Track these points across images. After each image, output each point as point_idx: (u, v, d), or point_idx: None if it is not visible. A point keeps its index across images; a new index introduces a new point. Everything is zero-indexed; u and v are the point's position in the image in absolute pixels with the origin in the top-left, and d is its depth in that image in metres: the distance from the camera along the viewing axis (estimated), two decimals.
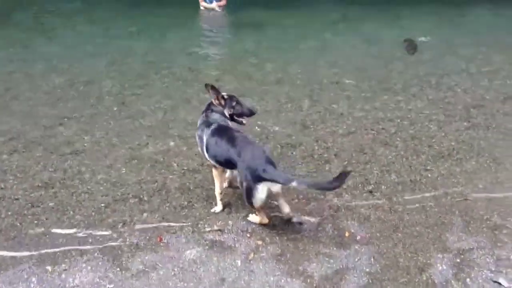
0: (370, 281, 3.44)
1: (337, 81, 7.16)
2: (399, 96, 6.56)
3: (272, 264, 3.61)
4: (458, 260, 3.64)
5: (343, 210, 4.30)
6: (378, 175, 4.82)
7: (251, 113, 4.30)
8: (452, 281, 3.44)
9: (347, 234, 3.96)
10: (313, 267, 3.59)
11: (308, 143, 5.47)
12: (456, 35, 8.86)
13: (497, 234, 3.90)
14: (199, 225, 4.04)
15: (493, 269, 3.55)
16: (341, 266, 3.60)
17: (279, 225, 4.04)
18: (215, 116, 4.16)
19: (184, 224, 4.06)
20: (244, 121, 4.30)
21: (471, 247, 3.77)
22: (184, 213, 4.19)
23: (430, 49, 8.21)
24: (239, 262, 3.62)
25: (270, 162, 3.71)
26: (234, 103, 4.21)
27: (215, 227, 4.00)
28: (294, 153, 5.28)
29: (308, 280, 3.46)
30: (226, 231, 3.97)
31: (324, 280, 3.46)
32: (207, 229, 3.98)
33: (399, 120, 5.90)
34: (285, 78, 7.39)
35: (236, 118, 4.26)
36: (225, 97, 4.21)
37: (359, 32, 9.47)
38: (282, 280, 3.46)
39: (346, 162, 5.04)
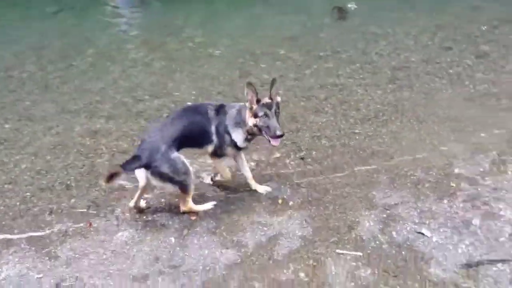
0: (303, 244, 3.53)
1: (268, 52, 7.15)
2: (329, 63, 6.65)
3: (207, 237, 3.62)
4: (384, 216, 3.80)
5: (276, 178, 4.37)
6: (309, 141, 4.90)
7: (274, 135, 3.62)
8: (379, 235, 3.59)
9: (280, 202, 4.02)
10: (248, 236, 3.63)
11: None
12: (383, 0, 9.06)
13: (420, 188, 4.09)
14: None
15: (416, 221, 3.73)
16: (274, 233, 3.66)
17: (213, 198, 4.04)
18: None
19: (115, 206, 3.98)
20: (272, 141, 3.67)
21: (396, 202, 3.93)
22: (114, 196, 4.10)
23: (358, 15, 8.33)
24: (173, 239, 3.60)
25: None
26: (261, 113, 3.63)
27: (144, 205, 3.95)
28: None
29: (243, 250, 3.50)
30: (159, 209, 3.94)
31: (258, 248, 3.51)
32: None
33: (329, 87, 6.00)
34: (217, 52, 7.29)
35: (254, 130, 3.72)
36: (261, 101, 3.66)
37: (289, 2, 9.45)
38: (217, 252, 3.48)
39: None
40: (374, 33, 7.47)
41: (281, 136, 3.64)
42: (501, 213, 3.71)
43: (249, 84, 3.67)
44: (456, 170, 4.28)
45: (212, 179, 4.30)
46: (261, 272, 3.28)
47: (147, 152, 3.56)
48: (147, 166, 3.56)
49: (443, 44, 6.86)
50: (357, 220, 3.77)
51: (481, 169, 4.26)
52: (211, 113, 3.82)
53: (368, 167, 4.40)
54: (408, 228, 3.66)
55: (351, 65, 6.52)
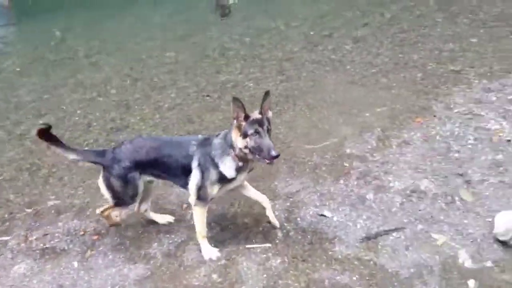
0: (213, 245, 3.53)
1: (157, 55, 7.03)
2: (219, 60, 6.70)
3: (112, 255, 3.50)
4: (288, 204, 3.93)
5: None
6: None
7: (269, 155, 3.09)
8: (285, 224, 3.71)
9: (184, 207, 3.99)
10: (155, 247, 3.57)
11: (134, 123, 5.34)
12: None
13: (318, 172, 4.29)
14: (27, 236, 3.70)
15: (318, 204, 3.91)
16: (182, 239, 3.64)
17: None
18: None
19: (8, 238, 3.68)
20: (266, 160, 3.14)
21: (298, 189, 4.09)
22: (5, 228, 3.79)
23: (241, 11, 8.50)
24: (75, 263, 3.43)
25: None
26: (251, 131, 3.12)
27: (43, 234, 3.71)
28: (122, 136, 5.11)
29: (152, 261, 3.43)
30: (56, 234, 3.71)
31: (167, 257, 3.46)
32: (34, 237, 3.66)
33: (221, 84, 6.04)
34: (102, 60, 7.02)
35: (253, 154, 3.17)
36: (249, 118, 3.15)
37: (173, 2, 9.35)
38: (125, 269, 3.37)
39: (175, 134, 5.04)
40: (258, 28, 7.66)
41: (276, 157, 3.12)
42: (391, 184, 4.01)
43: (235, 99, 3.15)
44: (348, 151, 4.54)
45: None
46: (173, 280, 3.24)
47: (111, 156, 3.37)
48: (104, 166, 3.38)
49: (323, 32, 7.21)
50: (263, 212, 3.86)
51: (369, 146, 4.55)
52: (193, 148, 3.36)
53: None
54: (311, 213, 3.82)
55: (241, 61, 6.63)
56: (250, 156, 3.20)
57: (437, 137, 4.55)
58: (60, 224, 3.81)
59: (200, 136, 3.49)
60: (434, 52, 6.26)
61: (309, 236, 3.56)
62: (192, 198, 3.39)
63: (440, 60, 6.03)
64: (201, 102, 5.66)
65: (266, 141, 3.12)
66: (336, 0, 8.62)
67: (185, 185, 3.41)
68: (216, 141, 3.34)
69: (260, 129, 3.12)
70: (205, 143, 3.37)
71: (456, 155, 4.27)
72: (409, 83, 5.59)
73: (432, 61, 6.04)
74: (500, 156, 4.18)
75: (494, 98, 5.04)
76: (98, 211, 3.64)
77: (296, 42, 7.07)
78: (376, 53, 6.44)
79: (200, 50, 7.05)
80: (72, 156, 3.45)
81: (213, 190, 3.33)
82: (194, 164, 3.32)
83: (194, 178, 3.32)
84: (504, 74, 5.52)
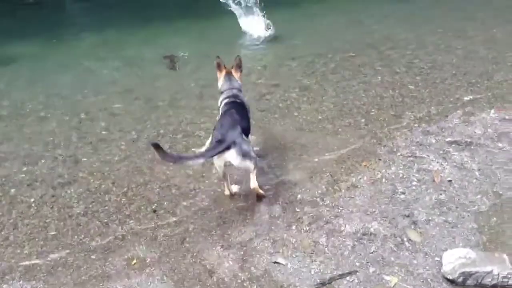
0: None
1: (105, 107, 6.96)
2: (168, 112, 6.71)
3: None
4: (242, 253, 3.91)
5: (129, 237, 4.22)
6: (159, 192, 4.85)
7: None
8: (239, 273, 3.68)
9: (134, 262, 3.88)
10: None
11: (83, 178, 5.20)
12: (210, 46, 9.50)
13: (271, 219, 4.30)
14: None
15: (272, 251, 3.91)
16: None
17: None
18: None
19: None
20: None
21: (251, 237, 4.07)
22: None
23: (190, 63, 8.61)
24: None
25: None
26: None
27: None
28: (69, 191, 4.96)
29: None
30: None
31: None
32: None
33: (171, 135, 6.03)
34: (49, 114, 6.85)
35: None
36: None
37: (121, 55, 9.37)
38: None
39: (126, 188, 4.95)
40: (208, 78, 7.76)
41: None
42: (342, 228, 4.09)
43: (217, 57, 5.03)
44: (299, 196, 4.61)
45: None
46: None
47: (229, 133, 4.10)
48: (230, 146, 4.05)
49: (271, 82, 7.42)
50: (217, 263, 3.82)
51: (320, 191, 4.65)
52: (241, 102, 4.77)
53: (220, 208, 4.50)
54: (265, 260, 3.81)
55: (191, 112, 6.67)
56: None
57: (383, 180, 4.72)
58: None
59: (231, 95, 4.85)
60: (376, 99, 6.58)
61: (264, 285, 3.54)
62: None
63: (381, 106, 6.34)
64: (150, 153, 5.60)
65: None
66: (281, 51, 8.95)
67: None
68: (240, 93, 4.93)
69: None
70: (238, 96, 4.85)
71: (402, 196, 4.44)
72: (354, 129, 5.82)
73: (374, 107, 6.34)
74: (443, 196, 4.39)
75: (433, 141, 5.34)
76: (253, 187, 4.35)
77: (245, 92, 7.19)
78: (322, 100, 6.69)
79: (149, 101, 7.04)
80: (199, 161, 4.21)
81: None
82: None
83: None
84: (441, 117, 5.88)
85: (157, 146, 3.89)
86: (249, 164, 4.23)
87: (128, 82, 7.92)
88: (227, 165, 4.28)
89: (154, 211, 4.55)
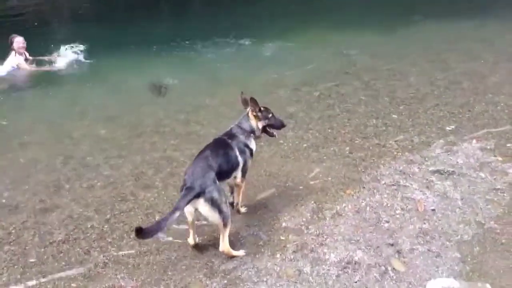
0: None
1: (90, 133, 6.92)
2: (153, 138, 6.70)
3: None
4: (225, 281, 3.86)
5: (111, 265, 4.14)
6: (142, 219, 4.80)
7: (282, 126, 4.82)
8: None
9: None
10: None
11: (65, 204, 5.13)
12: (196, 74, 9.58)
13: (255, 247, 4.27)
14: None
15: (255, 280, 3.86)
16: None
17: None
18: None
19: None
20: (275, 133, 4.81)
21: (235, 266, 4.03)
22: None
23: (176, 90, 8.64)
24: None
25: None
26: (270, 115, 4.67)
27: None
28: (50, 217, 4.88)
29: None
30: None
31: None
32: None
33: (156, 161, 6.01)
34: (31, 140, 6.79)
35: (268, 130, 4.71)
36: (262, 109, 4.61)
37: (108, 82, 9.38)
38: None
39: (108, 215, 4.89)
40: (193, 105, 7.82)
41: (285, 125, 4.94)
42: (326, 257, 4.07)
43: (252, 99, 4.55)
44: (284, 224, 4.59)
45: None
46: None
47: (199, 180, 3.86)
48: (200, 194, 3.81)
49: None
50: None
51: (304, 219, 4.64)
52: (229, 141, 4.42)
53: (205, 235, 4.46)
54: None
55: (176, 138, 6.67)
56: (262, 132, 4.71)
57: (367, 208, 4.74)
58: None
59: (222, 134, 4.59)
60: (360, 127, 6.66)
61: None
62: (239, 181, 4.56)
63: (365, 135, 6.42)
64: (135, 180, 5.57)
65: (279, 118, 4.84)
66: (267, 79, 9.06)
67: (231, 173, 4.40)
68: (239, 131, 4.54)
69: (272, 113, 4.72)
70: (232, 135, 4.50)
71: (386, 225, 4.46)
72: (339, 157, 5.86)
73: (358, 135, 6.42)
74: (426, 225, 4.42)
75: (417, 170, 5.40)
76: (221, 249, 4.06)
77: (231, 119, 7.22)
78: (307, 128, 6.75)
79: (134, 128, 7.03)
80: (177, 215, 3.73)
81: (248, 164, 4.61)
82: (236, 152, 4.41)
83: (239, 164, 4.43)
84: (424, 146, 5.96)
85: (139, 231, 3.54)
86: (218, 218, 3.92)
87: (113, 108, 7.92)
88: (197, 213, 3.99)
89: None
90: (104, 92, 8.81)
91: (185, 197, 3.78)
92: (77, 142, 6.68)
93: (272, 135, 4.80)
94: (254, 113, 4.57)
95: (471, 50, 10.03)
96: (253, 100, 4.52)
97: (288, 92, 8.28)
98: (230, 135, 4.50)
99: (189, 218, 4.07)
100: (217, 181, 4.00)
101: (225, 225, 3.97)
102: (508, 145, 5.84)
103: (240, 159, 4.42)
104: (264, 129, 4.68)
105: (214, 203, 3.86)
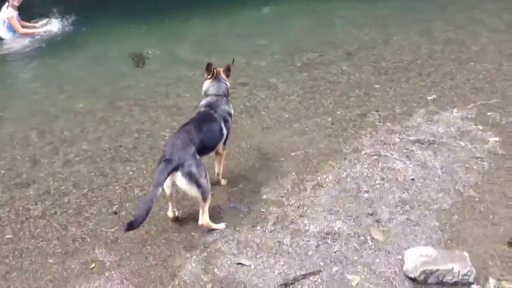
0: None
1: (67, 107, 6.75)
2: (133, 110, 6.57)
3: None
4: (205, 254, 3.84)
5: (89, 240, 4.09)
6: (121, 194, 4.73)
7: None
8: (202, 276, 3.61)
9: (92, 266, 3.77)
10: None
11: (42, 179, 5.03)
12: (178, 45, 9.36)
13: (235, 219, 4.25)
14: None
15: (235, 252, 3.85)
16: None
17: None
18: None
19: None
20: None
21: (215, 239, 4.01)
22: None
23: (156, 61, 8.45)
24: None
25: None
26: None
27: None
28: (27, 193, 4.78)
29: None
30: None
31: None
32: None
33: (136, 135, 5.91)
34: (7, 115, 6.60)
35: None
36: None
37: (85, 52, 9.12)
38: None
39: (86, 190, 4.81)
40: (173, 77, 7.66)
41: None
42: (306, 228, 4.07)
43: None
44: (264, 196, 4.57)
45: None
46: None
47: (179, 153, 3.79)
48: (178, 167, 3.75)
49: (238, 81, 7.35)
50: (179, 265, 3.74)
51: (285, 191, 4.62)
52: (213, 112, 4.34)
53: (181, 211, 4.41)
54: (228, 262, 3.75)
55: (157, 111, 6.54)
56: None
57: (348, 179, 4.73)
58: None
59: (203, 105, 4.49)
60: (342, 98, 6.60)
61: (227, 287, 3.48)
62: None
63: (347, 105, 6.37)
64: (113, 153, 5.48)
65: None
66: (248, 49, 8.88)
67: (216, 146, 4.42)
68: (219, 99, 4.47)
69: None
70: (214, 105, 4.41)
71: (366, 195, 4.46)
72: (321, 128, 5.82)
73: (340, 106, 6.36)
74: (405, 195, 4.43)
75: (397, 140, 5.38)
76: (201, 223, 4.02)
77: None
78: (289, 99, 6.67)
79: (113, 100, 6.87)
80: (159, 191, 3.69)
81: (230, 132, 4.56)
82: (222, 125, 4.35)
83: (223, 135, 4.40)
84: (405, 116, 5.94)
85: (131, 225, 3.56)
86: (196, 192, 3.88)
87: (92, 80, 7.72)
88: (175, 186, 3.93)
89: (115, 212, 4.44)
90: (82, 64, 8.56)
91: (164, 170, 3.72)
92: (54, 116, 6.51)
93: None
94: (228, 73, 4.68)
95: (454, 19, 9.94)
96: (233, 62, 4.77)
97: (270, 62, 8.15)
98: (213, 105, 4.41)
99: (167, 191, 4.01)
100: (198, 155, 3.94)
101: (204, 199, 3.93)
102: (489, 113, 5.84)
103: (225, 130, 4.38)
104: None
105: (192, 177, 3.80)
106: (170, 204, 4.19)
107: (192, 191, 3.86)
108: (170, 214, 4.22)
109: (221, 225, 4.14)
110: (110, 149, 5.59)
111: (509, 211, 4.18)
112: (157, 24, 10.94)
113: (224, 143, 4.53)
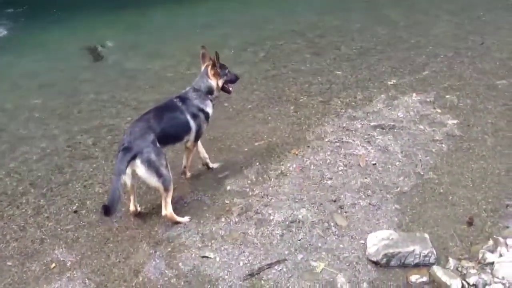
0: None
1: (23, 104, 6.53)
2: (92, 105, 6.41)
3: None
4: (169, 249, 3.79)
5: (48, 240, 3.98)
6: (81, 192, 4.61)
7: (237, 78, 4.67)
8: (166, 271, 3.56)
9: (53, 266, 3.66)
10: None
11: None
12: (138, 36, 9.17)
13: (199, 212, 4.20)
14: None
15: (200, 245, 3.81)
16: None
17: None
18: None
19: None
20: (231, 88, 4.61)
21: (179, 233, 3.95)
22: None
23: (115, 54, 8.27)
24: None
25: None
26: (227, 70, 4.48)
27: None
28: None
29: None
30: None
31: None
32: None
33: (95, 130, 5.77)
34: None
35: (225, 86, 4.49)
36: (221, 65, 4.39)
37: (40, 47, 8.83)
38: None
39: (45, 189, 4.67)
40: (133, 70, 7.50)
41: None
42: (271, 217, 4.06)
43: (217, 53, 4.36)
44: (228, 187, 4.53)
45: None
46: None
47: (137, 141, 3.72)
48: (137, 155, 3.67)
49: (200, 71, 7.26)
50: (142, 261, 3.67)
51: (249, 181, 4.60)
52: (180, 104, 4.17)
53: (144, 206, 4.34)
54: (193, 255, 3.71)
55: (117, 105, 6.40)
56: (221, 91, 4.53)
57: (312, 167, 4.75)
58: None
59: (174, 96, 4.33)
60: (304, 86, 6.62)
61: (191, 281, 3.45)
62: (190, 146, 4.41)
63: (310, 93, 6.39)
64: (72, 150, 5.33)
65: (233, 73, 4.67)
66: (210, 39, 8.76)
67: (182, 138, 4.26)
68: (193, 94, 4.30)
69: (227, 67, 4.53)
70: (184, 98, 4.25)
71: (329, 182, 4.48)
72: (284, 116, 5.82)
73: (303, 94, 6.38)
74: (367, 180, 4.48)
75: (359, 126, 5.43)
76: (164, 214, 3.93)
77: (173, 82, 7.02)
78: (252, 89, 6.64)
79: (70, 95, 6.68)
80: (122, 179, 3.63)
81: (203, 129, 4.41)
82: (188, 117, 4.19)
83: (191, 129, 4.24)
84: (366, 102, 6.00)
85: (107, 208, 3.55)
86: (156, 181, 3.79)
87: (48, 76, 7.50)
88: (135, 175, 3.82)
89: (76, 211, 4.33)
90: (37, 58, 8.31)
91: (123, 158, 3.66)
92: (10, 114, 6.30)
93: (229, 92, 4.62)
94: (214, 71, 4.36)
95: (414, 4, 10.10)
96: (217, 55, 4.33)
97: (233, 52, 8.09)
98: (183, 98, 4.27)
99: (128, 182, 3.84)
100: (160, 144, 3.86)
101: (166, 189, 3.85)
102: (447, 96, 5.97)
103: (192, 124, 4.23)
104: (222, 87, 4.49)
105: (151, 165, 3.73)
106: (131, 197, 4.10)
107: (152, 179, 3.77)
108: (131, 208, 4.14)
109: (185, 219, 4.09)
110: (69, 146, 5.45)
111: (467, 191, 4.28)
112: (116, 15, 10.70)
113: (196, 140, 4.40)
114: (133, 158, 3.67)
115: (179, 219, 4.05)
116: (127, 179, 3.78)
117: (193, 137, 4.33)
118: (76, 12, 10.68)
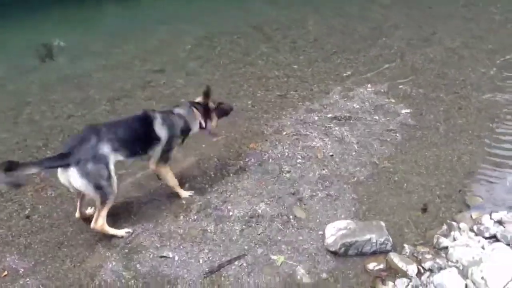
0: None
1: None
2: (43, 106, 6.17)
3: None
4: (126, 251, 3.70)
5: (1, 248, 3.81)
6: (33, 196, 4.43)
7: (231, 109, 4.64)
8: (124, 273, 3.48)
9: (4, 274, 3.51)
10: None
11: None
12: (90, 34, 8.89)
13: (156, 212, 4.11)
14: None
15: (158, 245, 3.74)
16: None
17: None
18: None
19: None
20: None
21: (137, 234, 3.87)
22: None
23: (66, 52, 7.97)
24: None
25: None
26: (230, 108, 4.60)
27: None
28: None
29: None
30: None
31: None
32: None
33: (47, 131, 5.55)
34: None
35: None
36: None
37: None
38: None
39: None
40: (86, 67, 7.27)
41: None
42: (230, 213, 4.04)
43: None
44: (187, 185, 4.47)
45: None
46: None
47: (76, 149, 3.44)
48: (72, 163, 3.40)
49: (154, 68, 7.14)
50: (98, 264, 3.57)
51: (208, 178, 4.56)
52: (152, 115, 3.91)
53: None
54: (151, 256, 3.64)
55: (68, 104, 6.19)
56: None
57: (270, 160, 4.75)
58: None
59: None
60: (261, 80, 6.61)
61: (150, 282, 3.38)
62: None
63: (267, 87, 6.39)
64: (22, 152, 5.12)
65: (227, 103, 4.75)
66: (165, 35, 8.64)
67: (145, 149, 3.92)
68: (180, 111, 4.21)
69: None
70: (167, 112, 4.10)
71: (288, 175, 4.50)
72: (242, 111, 5.78)
73: (260, 88, 6.37)
74: (325, 171, 4.53)
75: (316, 118, 5.48)
76: (92, 227, 3.65)
77: (127, 80, 6.85)
78: (209, 84, 6.53)
79: (19, 96, 6.40)
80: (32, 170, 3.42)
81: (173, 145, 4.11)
82: (157, 126, 3.90)
83: (159, 140, 3.92)
84: (323, 95, 6.06)
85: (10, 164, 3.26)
86: (93, 193, 3.52)
87: None
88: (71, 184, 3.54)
89: (28, 216, 4.15)
90: None
91: (51, 160, 3.51)
92: None
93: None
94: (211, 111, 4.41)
95: None
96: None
97: (188, 48, 7.97)
98: (161, 112, 4.05)
99: (71, 189, 3.65)
100: (113, 155, 3.61)
101: (103, 203, 3.59)
102: (400, 86, 6.11)
103: (161, 140, 3.92)
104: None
105: (89, 176, 3.44)
106: (77, 204, 3.93)
107: (89, 190, 3.50)
108: (76, 214, 3.97)
109: (121, 231, 3.82)
110: (19, 148, 5.22)
111: (421, 178, 4.40)
112: (67, 11, 10.33)
113: (165, 161, 4.06)
114: (68, 165, 3.41)
115: (112, 231, 3.78)
116: (70, 187, 3.58)
117: (157, 154, 4.00)
118: (23, 8, 10.24)
